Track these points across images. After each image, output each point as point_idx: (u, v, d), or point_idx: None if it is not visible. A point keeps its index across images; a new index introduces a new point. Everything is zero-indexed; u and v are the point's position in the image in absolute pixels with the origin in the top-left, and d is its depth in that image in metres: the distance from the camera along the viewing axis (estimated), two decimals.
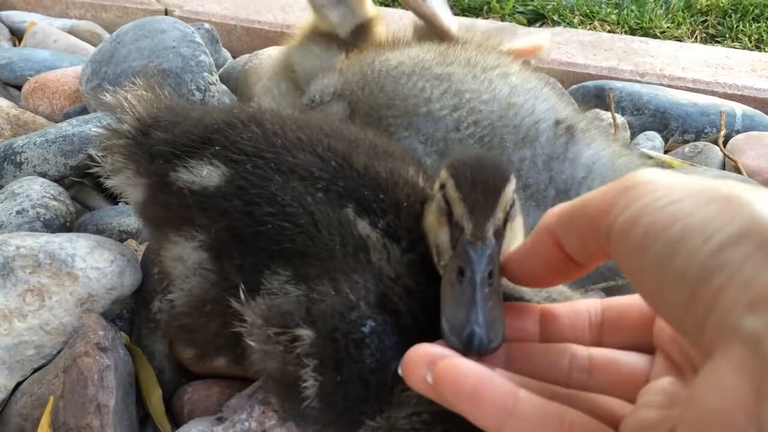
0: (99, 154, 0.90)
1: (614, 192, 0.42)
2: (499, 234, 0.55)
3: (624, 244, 0.40)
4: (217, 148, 0.77)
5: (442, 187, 0.59)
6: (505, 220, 0.56)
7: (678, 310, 0.36)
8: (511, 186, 0.57)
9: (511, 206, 0.57)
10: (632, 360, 0.50)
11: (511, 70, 1.05)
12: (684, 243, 0.36)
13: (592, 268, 0.48)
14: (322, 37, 1.23)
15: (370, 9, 1.24)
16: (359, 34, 1.21)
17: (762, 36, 2.43)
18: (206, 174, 0.75)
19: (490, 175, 0.57)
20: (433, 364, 0.46)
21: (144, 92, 0.91)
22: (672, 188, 0.39)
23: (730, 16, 2.53)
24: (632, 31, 2.44)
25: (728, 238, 0.34)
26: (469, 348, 0.47)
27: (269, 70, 1.34)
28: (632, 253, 0.40)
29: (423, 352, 0.47)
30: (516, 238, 0.59)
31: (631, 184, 0.41)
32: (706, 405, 0.33)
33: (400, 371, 0.49)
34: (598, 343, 0.53)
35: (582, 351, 0.51)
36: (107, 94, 0.91)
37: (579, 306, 0.55)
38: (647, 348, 0.51)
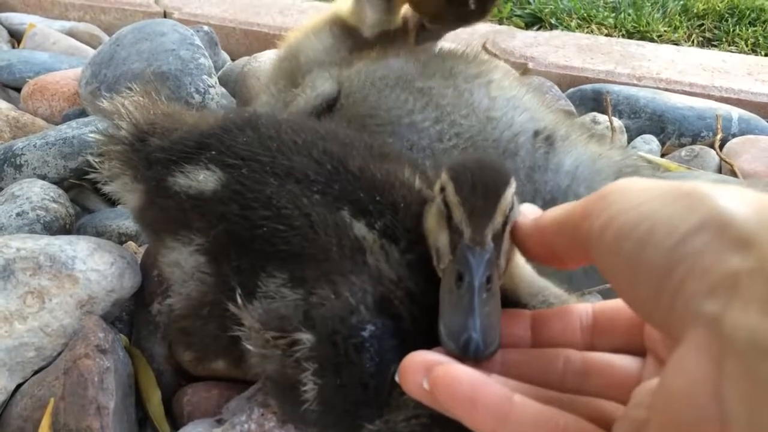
0: (97, 160, 0.91)
1: (592, 200, 0.45)
2: (498, 238, 0.55)
3: (600, 246, 0.43)
4: (213, 152, 0.77)
5: (443, 189, 0.59)
6: (504, 224, 0.56)
7: (648, 302, 0.39)
8: (511, 190, 0.57)
9: (511, 210, 0.58)
10: (625, 363, 0.51)
11: (492, 78, 1.05)
12: (651, 238, 0.38)
13: (572, 267, 0.52)
14: (341, 29, 1.19)
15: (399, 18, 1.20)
16: (383, 39, 1.18)
17: (758, 40, 2.44)
18: (202, 179, 0.76)
19: (490, 179, 0.57)
20: (429, 371, 0.47)
21: (141, 98, 0.91)
22: (643, 192, 0.42)
23: (727, 20, 2.54)
24: (629, 35, 2.45)
25: (690, 229, 0.37)
26: (466, 354, 0.48)
27: (270, 67, 1.32)
28: (607, 254, 0.42)
29: (419, 359, 0.48)
30: None
31: (607, 191, 0.44)
32: (672, 387, 0.35)
33: (397, 378, 0.49)
34: (590, 347, 0.54)
35: (576, 355, 0.52)
36: (104, 101, 0.92)
37: (570, 310, 0.56)
38: (639, 350, 0.51)
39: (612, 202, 0.43)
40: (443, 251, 0.57)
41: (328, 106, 1.08)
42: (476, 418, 0.44)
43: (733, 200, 0.37)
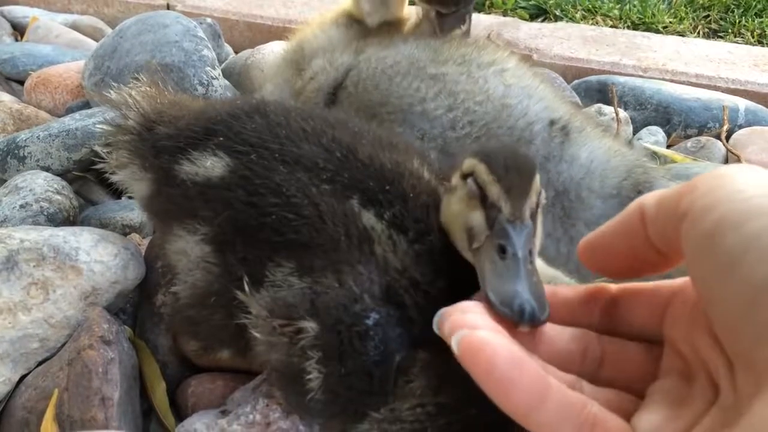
0: (104, 150, 0.90)
1: (701, 177, 0.39)
2: (534, 217, 0.56)
3: (695, 229, 0.37)
4: (221, 139, 0.77)
5: (468, 175, 0.59)
6: (537, 205, 0.57)
7: (735, 317, 0.33)
8: (538, 176, 0.58)
9: (539, 194, 0.58)
10: (641, 352, 0.49)
11: (507, 67, 1.04)
12: (759, 241, 0.32)
13: (669, 265, 0.46)
14: (349, 21, 1.21)
15: (404, 11, 1.24)
16: (385, 28, 1.21)
17: (765, 31, 2.42)
18: (210, 165, 0.75)
19: (522, 161, 0.58)
20: (471, 330, 0.43)
21: (148, 88, 0.91)
22: (758, 182, 0.36)
23: (733, 11, 2.53)
24: (635, 26, 2.44)
25: None
26: (522, 318, 0.47)
27: (278, 57, 1.33)
28: (701, 241, 0.37)
29: (465, 316, 0.46)
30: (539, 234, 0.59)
31: (719, 173, 0.38)
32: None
33: (435, 328, 0.48)
34: (609, 332, 0.52)
35: (594, 340, 0.50)
36: (111, 91, 0.91)
37: (591, 292, 0.53)
38: (656, 336, 0.49)
39: (718, 185, 0.37)
40: (479, 229, 0.57)
41: (334, 93, 1.08)
42: (511, 400, 0.41)
43: None
